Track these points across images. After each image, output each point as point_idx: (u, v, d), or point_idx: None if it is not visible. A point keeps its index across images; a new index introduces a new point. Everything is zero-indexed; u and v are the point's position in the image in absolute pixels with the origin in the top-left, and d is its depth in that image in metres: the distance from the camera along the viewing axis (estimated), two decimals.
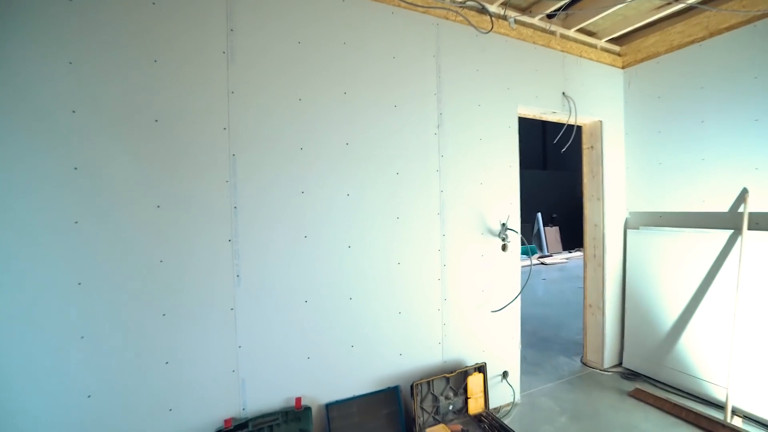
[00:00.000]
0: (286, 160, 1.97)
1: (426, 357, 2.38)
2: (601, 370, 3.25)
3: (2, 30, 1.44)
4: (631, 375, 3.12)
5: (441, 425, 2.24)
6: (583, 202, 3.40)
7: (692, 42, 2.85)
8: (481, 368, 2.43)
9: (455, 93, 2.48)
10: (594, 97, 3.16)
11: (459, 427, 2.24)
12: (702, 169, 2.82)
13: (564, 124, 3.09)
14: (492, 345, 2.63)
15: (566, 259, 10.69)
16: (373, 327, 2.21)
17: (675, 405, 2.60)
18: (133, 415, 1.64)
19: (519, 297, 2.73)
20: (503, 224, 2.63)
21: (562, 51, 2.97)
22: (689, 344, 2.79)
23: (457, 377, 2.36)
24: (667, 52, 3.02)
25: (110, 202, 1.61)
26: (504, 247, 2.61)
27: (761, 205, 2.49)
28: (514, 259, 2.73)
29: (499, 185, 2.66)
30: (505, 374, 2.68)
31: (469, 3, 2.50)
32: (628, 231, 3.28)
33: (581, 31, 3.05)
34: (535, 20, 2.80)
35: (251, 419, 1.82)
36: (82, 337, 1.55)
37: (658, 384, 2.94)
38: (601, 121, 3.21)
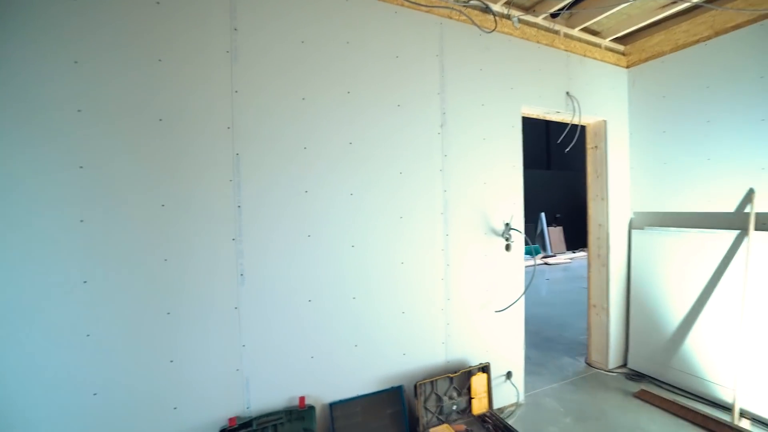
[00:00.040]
0: (289, 159, 1.97)
1: (429, 357, 2.37)
2: (605, 370, 3.23)
3: (7, 29, 1.46)
4: (636, 376, 3.10)
5: (445, 425, 2.23)
6: (586, 202, 3.39)
7: (698, 41, 2.83)
8: (484, 368, 2.42)
9: (458, 92, 2.48)
10: (598, 96, 3.14)
11: (463, 427, 2.24)
12: (707, 169, 2.80)
13: (568, 124, 3.08)
14: (496, 345, 2.62)
15: (570, 259, 10.65)
16: (377, 327, 2.21)
17: (681, 407, 2.58)
18: (138, 413, 1.64)
19: (523, 297, 2.72)
20: (507, 224, 2.62)
21: (566, 50, 2.96)
22: (695, 345, 2.76)
23: (460, 377, 2.36)
24: (672, 51, 3.00)
25: (115, 201, 1.62)
26: (507, 247, 2.60)
27: None
28: (517, 259, 2.72)
29: (503, 185, 2.65)
30: (508, 374, 2.67)
31: (472, 2, 2.49)
32: (633, 231, 3.26)
33: (585, 30, 3.04)
34: (539, 19, 2.79)
35: (255, 418, 1.82)
36: (88, 335, 1.56)
37: (663, 385, 2.92)
38: (605, 121, 3.20)
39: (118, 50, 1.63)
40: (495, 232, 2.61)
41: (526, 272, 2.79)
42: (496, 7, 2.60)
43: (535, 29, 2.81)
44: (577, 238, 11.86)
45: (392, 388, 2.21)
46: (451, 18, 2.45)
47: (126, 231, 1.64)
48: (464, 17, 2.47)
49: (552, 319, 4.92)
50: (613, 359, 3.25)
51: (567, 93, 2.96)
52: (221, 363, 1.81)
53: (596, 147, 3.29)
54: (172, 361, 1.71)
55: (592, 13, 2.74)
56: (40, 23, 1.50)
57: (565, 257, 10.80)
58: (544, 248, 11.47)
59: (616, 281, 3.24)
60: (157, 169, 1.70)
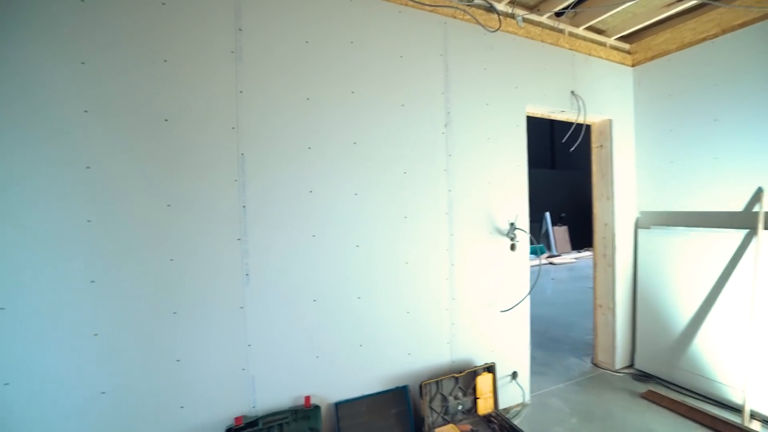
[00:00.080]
0: (294, 159, 1.98)
1: (434, 357, 2.37)
2: (612, 371, 3.21)
3: (15, 30, 1.47)
4: (643, 376, 3.07)
5: (450, 425, 2.22)
6: (592, 201, 3.37)
7: (704, 39, 2.81)
8: (490, 368, 2.41)
9: (463, 92, 2.47)
10: (603, 95, 3.12)
11: (468, 427, 2.23)
12: (715, 168, 2.77)
13: (573, 123, 3.06)
14: (501, 345, 2.61)
15: (575, 258, 10.59)
16: (381, 326, 2.21)
17: (690, 408, 2.55)
18: (145, 411, 1.66)
19: (528, 297, 2.71)
20: (512, 224, 2.61)
21: (571, 49, 2.95)
22: (704, 346, 2.74)
23: (466, 377, 2.35)
24: (678, 49, 2.98)
25: (122, 201, 1.63)
26: (513, 247, 2.59)
27: None
28: (522, 259, 2.71)
29: (508, 184, 2.64)
30: (514, 374, 2.66)
31: (476, 1, 2.49)
32: (639, 230, 3.23)
33: (590, 29, 3.03)
34: (543, 18, 2.78)
35: (261, 417, 1.83)
36: (96, 335, 1.58)
37: (671, 386, 2.89)
38: (610, 120, 3.18)
39: (124, 51, 1.64)
40: (500, 232, 2.60)
41: (531, 272, 2.78)
42: (501, 6, 2.59)
43: (540, 28, 2.80)
44: (582, 238, 11.78)
45: (397, 387, 2.21)
46: (455, 17, 2.45)
47: (132, 231, 1.65)
48: (468, 16, 2.47)
49: (557, 319, 4.89)
50: (620, 359, 3.22)
51: (572, 92, 2.94)
52: (227, 362, 1.82)
53: (601, 146, 3.27)
54: (178, 360, 1.72)
55: (597, 12, 2.73)
56: (47, 24, 1.52)
57: (570, 257, 10.74)
58: (548, 248, 11.42)
59: (623, 281, 3.22)
60: (163, 169, 1.71)
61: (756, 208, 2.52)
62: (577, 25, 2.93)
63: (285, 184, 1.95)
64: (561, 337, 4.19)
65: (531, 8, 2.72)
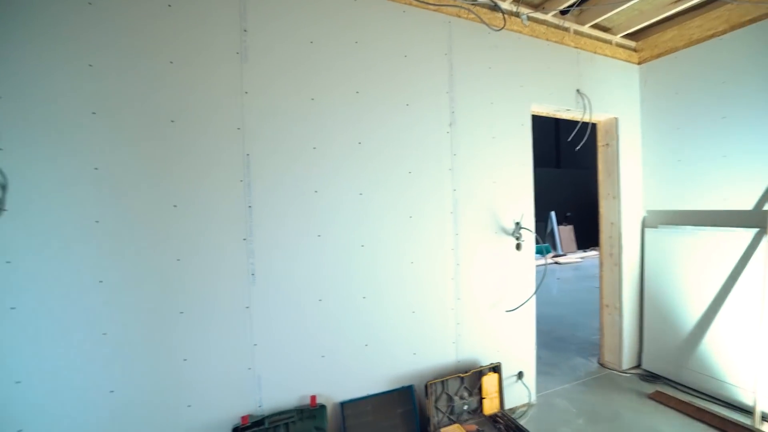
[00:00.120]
0: (299, 159, 1.98)
1: (440, 356, 2.37)
2: (619, 371, 3.18)
3: (26, 35, 1.49)
4: (651, 377, 3.04)
5: (456, 425, 2.22)
6: (597, 200, 3.34)
7: (712, 36, 2.78)
8: (495, 368, 2.40)
9: (467, 91, 2.47)
10: (609, 93, 3.10)
11: (474, 427, 2.22)
12: (724, 166, 2.74)
13: (578, 122, 3.04)
14: (507, 345, 2.60)
15: (581, 258, 10.52)
16: (387, 326, 2.21)
17: (699, 409, 2.52)
18: (153, 410, 1.67)
19: (534, 296, 2.69)
20: (517, 223, 2.60)
21: (576, 47, 2.93)
22: (713, 346, 2.70)
23: (471, 377, 2.34)
24: (685, 46, 2.95)
25: (129, 202, 1.65)
26: (518, 246, 2.58)
27: None
28: (528, 258, 2.70)
29: (513, 184, 2.63)
30: (520, 374, 2.65)
31: (481, 0, 2.48)
32: (646, 230, 3.20)
33: (596, 27, 3.00)
34: (548, 17, 2.77)
35: (267, 416, 1.84)
36: (105, 334, 1.59)
37: (679, 387, 2.86)
38: (616, 118, 3.15)
39: (130, 52, 1.66)
40: (505, 231, 2.59)
41: (537, 271, 2.77)
42: (505, 5, 2.58)
43: (545, 26, 2.78)
44: (587, 237, 11.70)
45: (403, 387, 2.21)
46: (459, 16, 2.44)
47: (139, 231, 1.66)
48: (473, 15, 2.46)
49: (563, 319, 4.86)
50: (627, 360, 3.19)
51: (577, 90, 2.92)
52: (233, 362, 1.83)
53: (607, 145, 3.25)
54: (185, 360, 1.73)
55: (603, 9, 2.71)
56: (55, 27, 1.53)
57: (575, 256, 10.67)
58: (554, 247, 11.35)
59: (629, 280, 3.19)
60: (169, 169, 1.72)
61: (766, 207, 2.48)
62: (583, 23, 2.91)
63: (290, 184, 1.96)
64: (567, 337, 4.16)
65: (536, 6, 2.71)
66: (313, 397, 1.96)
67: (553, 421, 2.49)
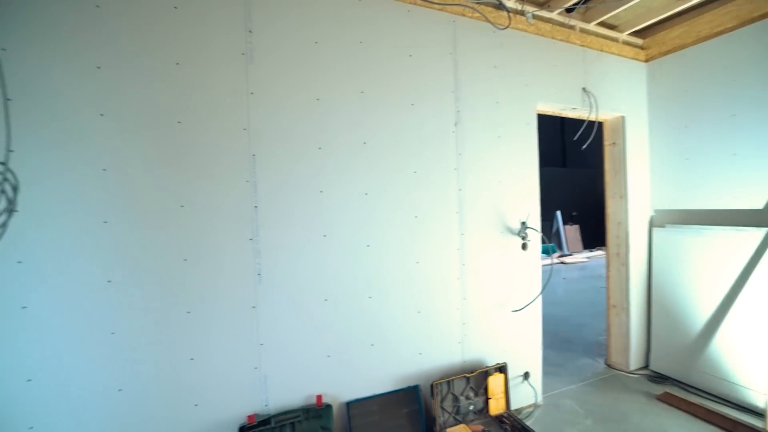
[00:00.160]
0: (304, 159, 1.99)
1: (446, 356, 2.36)
2: (626, 372, 3.15)
3: (30, 35, 1.51)
4: (659, 378, 3.01)
5: (462, 425, 2.21)
6: (604, 199, 3.31)
7: (722, 32, 2.74)
8: (501, 368, 2.39)
9: (473, 90, 2.46)
10: (616, 92, 3.07)
11: (480, 427, 2.21)
12: (733, 165, 2.70)
13: (584, 121, 3.02)
14: (513, 345, 2.59)
15: (587, 258, 10.44)
16: (393, 326, 2.21)
17: (708, 411, 2.49)
18: (161, 409, 1.68)
19: (540, 296, 2.68)
20: (523, 222, 2.59)
21: (582, 45, 2.91)
22: (723, 347, 2.67)
23: (477, 377, 2.33)
24: (694, 43, 2.91)
25: (136, 202, 1.66)
26: (524, 246, 2.57)
27: None
28: (534, 258, 2.68)
29: (519, 183, 2.62)
30: (526, 375, 2.63)
31: None
32: (654, 229, 3.17)
33: (602, 24, 2.98)
34: (554, 15, 2.75)
35: (274, 416, 1.85)
36: (113, 333, 1.61)
37: (688, 388, 2.83)
38: (623, 117, 3.12)
39: (137, 54, 1.67)
40: (511, 231, 2.58)
41: (543, 271, 2.75)
42: (510, 4, 2.57)
43: (550, 25, 2.76)
44: (593, 237, 11.60)
45: (408, 387, 2.20)
46: (464, 15, 2.44)
47: (147, 231, 1.68)
48: (477, 14, 2.45)
49: (570, 319, 4.83)
50: (634, 360, 3.16)
51: (583, 89, 2.90)
52: (240, 361, 1.84)
53: (614, 143, 3.22)
54: (192, 359, 1.75)
55: (609, 7, 2.68)
56: (63, 29, 1.55)
57: (582, 256, 10.59)
58: (560, 247, 11.28)
59: (637, 280, 3.16)
60: (176, 170, 1.73)
61: None
62: (589, 21, 2.89)
63: (296, 185, 1.97)
64: (573, 338, 4.13)
65: (541, 5, 2.69)
66: (319, 397, 1.96)
67: (559, 422, 2.48)
